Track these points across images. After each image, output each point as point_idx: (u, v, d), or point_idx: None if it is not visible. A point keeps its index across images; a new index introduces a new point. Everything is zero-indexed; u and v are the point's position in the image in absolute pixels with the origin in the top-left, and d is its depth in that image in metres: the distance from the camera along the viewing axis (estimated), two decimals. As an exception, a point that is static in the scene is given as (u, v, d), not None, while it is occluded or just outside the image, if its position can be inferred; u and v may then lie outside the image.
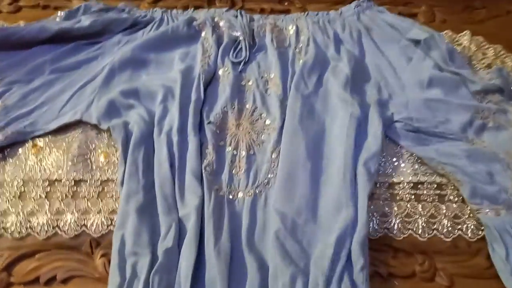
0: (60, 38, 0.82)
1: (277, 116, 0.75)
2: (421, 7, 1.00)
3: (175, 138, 0.70)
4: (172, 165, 0.67)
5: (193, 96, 0.75)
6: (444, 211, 0.69)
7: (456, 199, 0.70)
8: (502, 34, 0.95)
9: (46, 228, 0.64)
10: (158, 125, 0.72)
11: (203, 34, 0.87)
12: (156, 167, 0.67)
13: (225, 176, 0.68)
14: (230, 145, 0.72)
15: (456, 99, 0.78)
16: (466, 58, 0.89)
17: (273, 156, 0.70)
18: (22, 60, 0.79)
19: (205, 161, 0.69)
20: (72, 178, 0.69)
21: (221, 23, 0.88)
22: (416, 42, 0.86)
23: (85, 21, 0.83)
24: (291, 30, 0.88)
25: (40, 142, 0.72)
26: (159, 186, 0.64)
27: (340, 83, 0.77)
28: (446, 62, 0.82)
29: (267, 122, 0.75)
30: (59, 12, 0.87)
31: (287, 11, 0.98)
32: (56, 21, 0.85)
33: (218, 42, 0.85)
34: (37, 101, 0.75)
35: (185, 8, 0.95)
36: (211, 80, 0.80)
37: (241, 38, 0.86)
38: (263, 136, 0.74)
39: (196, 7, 0.95)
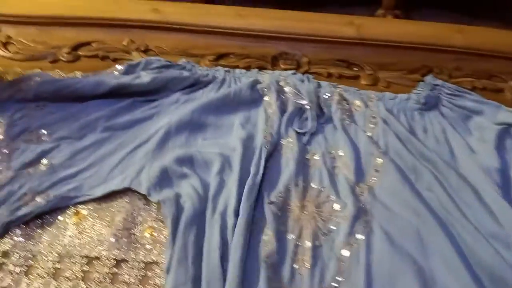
0: (117, 93, 0.78)
1: (348, 203, 0.65)
2: (508, 82, 0.89)
3: (230, 221, 0.61)
4: (223, 255, 0.58)
5: (252, 170, 0.67)
6: None
7: None
8: None
9: (78, 317, 0.55)
10: (212, 201, 0.64)
11: (266, 98, 0.80)
12: (205, 256, 0.58)
13: (286, 272, 0.58)
14: (292, 231, 0.63)
15: None
16: None
17: (343, 254, 0.60)
18: (75, 114, 0.75)
19: (264, 249, 0.59)
20: (113, 257, 0.60)
21: (287, 88, 0.81)
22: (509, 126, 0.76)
23: (145, 77, 0.79)
24: (358, 107, 0.80)
25: (83, 210, 0.65)
26: (206, 282, 0.55)
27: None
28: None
29: (336, 207, 0.66)
30: (118, 65, 0.82)
31: (356, 78, 0.90)
32: (114, 74, 0.81)
33: (282, 109, 0.78)
34: (85, 162, 0.69)
35: (248, 67, 0.89)
36: (272, 151, 0.72)
37: (307, 106, 0.78)
38: (330, 224, 0.64)
39: (260, 68, 0.89)
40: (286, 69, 0.90)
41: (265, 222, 0.63)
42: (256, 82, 0.81)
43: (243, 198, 0.63)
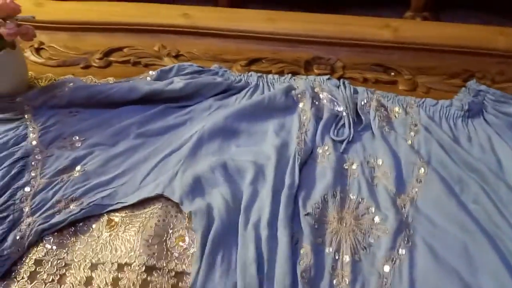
0: (150, 99, 0.76)
1: (390, 216, 0.62)
2: (553, 86, 0.85)
3: (264, 233, 0.59)
4: (259, 268, 0.55)
5: (287, 180, 0.65)
6: None
7: None
8: None
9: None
10: (244, 212, 0.61)
11: (300, 105, 0.78)
12: (240, 270, 0.55)
13: (326, 286, 0.55)
14: (330, 245, 0.60)
15: None
16: None
17: (385, 270, 0.57)
18: (107, 121, 0.74)
19: (301, 264, 0.57)
20: (143, 263, 0.59)
21: (322, 95, 0.79)
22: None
23: (177, 83, 0.77)
24: (398, 114, 0.76)
25: (116, 217, 0.64)
26: None
27: None
28: None
29: (376, 220, 0.62)
30: (150, 71, 0.81)
31: (393, 83, 0.87)
32: (147, 80, 0.80)
33: (317, 116, 0.76)
34: (119, 169, 0.68)
35: (281, 72, 0.87)
36: (307, 160, 0.70)
37: (344, 113, 0.76)
38: (370, 237, 0.61)
39: (293, 73, 0.87)
40: (320, 74, 0.87)
41: (302, 234, 0.60)
42: (290, 88, 0.79)
43: (280, 210, 0.61)
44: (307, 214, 0.62)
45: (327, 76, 0.83)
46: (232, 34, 0.93)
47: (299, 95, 0.78)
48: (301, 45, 0.93)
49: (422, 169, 0.68)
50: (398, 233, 0.60)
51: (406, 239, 0.60)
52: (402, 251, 0.59)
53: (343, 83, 0.81)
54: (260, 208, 0.62)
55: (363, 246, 0.60)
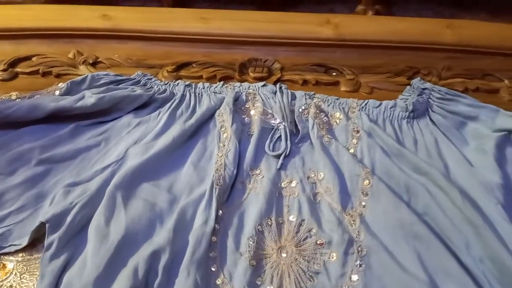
0: (57, 117, 0.66)
1: (335, 237, 0.55)
2: (504, 81, 0.80)
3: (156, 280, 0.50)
4: None
5: (199, 219, 0.56)
6: None
7: None
8: None
9: None
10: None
11: (220, 122, 0.68)
12: None
13: None
14: (271, 283, 0.52)
15: None
16: None
17: None
18: (5, 145, 0.63)
19: None
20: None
21: (253, 107, 0.71)
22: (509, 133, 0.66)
23: (89, 98, 0.67)
24: (339, 120, 0.70)
25: (10, 262, 0.54)
26: None
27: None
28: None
29: (320, 241, 0.55)
30: (60, 83, 0.71)
31: (335, 84, 0.80)
32: (54, 95, 0.69)
33: (245, 132, 0.68)
34: (15, 204, 0.58)
35: (213, 78, 0.79)
36: (234, 187, 0.61)
37: (280, 125, 0.68)
38: (315, 265, 0.54)
39: (226, 78, 0.79)
40: (256, 78, 0.79)
41: (234, 277, 0.52)
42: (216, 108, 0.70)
43: (186, 255, 0.52)
44: (241, 254, 0.54)
45: (262, 83, 0.75)
46: (159, 37, 0.84)
47: (220, 112, 0.70)
48: (236, 46, 0.85)
49: (367, 181, 0.61)
50: (347, 256, 0.54)
51: (358, 261, 0.53)
52: (355, 277, 0.52)
53: (280, 88, 0.73)
54: (153, 254, 0.52)
55: (309, 276, 0.53)
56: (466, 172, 0.62)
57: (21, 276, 0.53)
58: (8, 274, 0.53)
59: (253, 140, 0.66)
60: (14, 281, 0.52)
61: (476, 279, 0.52)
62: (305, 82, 0.79)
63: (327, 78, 0.80)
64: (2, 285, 0.52)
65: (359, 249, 0.55)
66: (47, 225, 0.54)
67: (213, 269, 0.53)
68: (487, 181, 0.60)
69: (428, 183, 0.60)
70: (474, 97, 0.73)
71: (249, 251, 0.54)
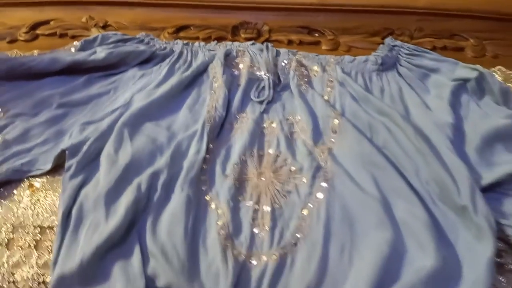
0: (73, 70, 0.77)
1: (305, 164, 0.66)
2: (469, 40, 0.89)
3: (156, 194, 0.61)
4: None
5: (192, 149, 0.67)
6: (504, 284, 0.57)
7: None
8: None
9: (30, 284, 0.56)
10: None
11: (212, 73, 0.79)
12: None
13: (245, 237, 0.58)
14: (251, 199, 0.63)
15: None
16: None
17: (303, 213, 0.61)
18: (30, 92, 0.74)
19: (218, 223, 0.59)
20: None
21: (242, 62, 0.81)
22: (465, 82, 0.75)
23: (100, 53, 0.78)
24: (316, 72, 0.80)
25: (37, 182, 0.66)
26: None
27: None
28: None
29: (293, 169, 0.66)
30: (75, 42, 0.82)
31: (316, 43, 0.90)
32: (70, 51, 0.80)
33: (234, 83, 0.78)
34: (40, 138, 0.69)
35: (208, 38, 0.89)
36: (223, 126, 0.72)
37: (264, 76, 0.78)
38: (289, 186, 0.64)
39: (220, 38, 0.89)
40: (246, 38, 0.89)
41: (220, 195, 0.63)
42: (206, 64, 0.80)
43: (180, 176, 0.63)
44: (226, 176, 0.64)
45: (251, 42, 0.85)
46: (160, 3, 0.94)
47: (212, 67, 0.80)
48: (230, 11, 0.95)
49: (336, 120, 0.72)
50: (315, 179, 0.64)
51: (323, 183, 0.64)
52: (320, 195, 0.62)
53: (267, 46, 0.83)
54: (154, 174, 0.63)
55: (282, 194, 0.63)
56: (423, 114, 0.72)
57: (46, 193, 0.65)
58: (35, 191, 0.65)
59: (240, 89, 0.76)
60: (40, 195, 0.64)
61: (422, 197, 0.62)
62: (290, 42, 0.89)
63: (310, 38, 0.90)
64: (31, 199, 0.64)
65: (325, 173, 0.65)
66: (67, 152, 0.66)
67: (203, 188, 0.64)
68: (440, 121, 0.70)
69: (388, 122, 0.70)
70: (442, 55, 0.83)
71: (233, 174, 0.64)
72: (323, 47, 0.89)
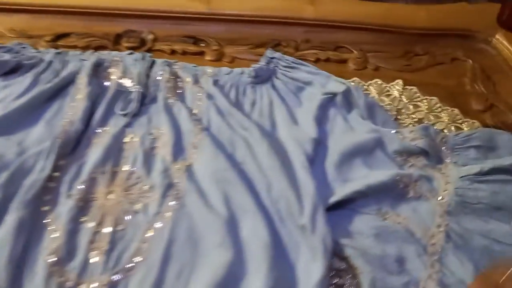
0: None
1: (157, 182, 0.64)
2: (354, 52, 0.89)
3: None
4: None
5: (38, 167, 0.63)
6: (340, 305, 0.56)
7: (353, 292, 0.57)
8: (443, 84, 0.86)
9: None
10: None
11: (77, 85, 0.76)
12: None
13: (77, 263, 0.56)
14: (93, 220, 0.60)
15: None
16: (394, 112, 0.78)
17: (148, 234, 0.59)
18: None
19: (52, 247, 0.56)
20: None
21: (113, 72, 0.78)
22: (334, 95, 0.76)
23: (-43, 62, 0.74)
24: (187, 84, 0.78)
25: None
26: None
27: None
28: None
29: (145, 188, 0.64)
30: None
31: (201, 54, 0.88)
32: None
33: (100, 94, 0.75)
34: None
35: (87, 47, 0.86)
36: (80, 141, 0.69)
37: (133, 88, 0.76)
38: (137, 206, 0.62)
39: (100, 47, 0.86)
40: (128, 47, 0.87)
41: (60, 219, 0.59)
42: (73, 75, 0.77)
43: (16, 197, 0.59)
44: (69, 196, 0.61)
45: (129, 51, 0.83)
46: (41, 9, 0.90)
47: (78, 74, 0.77)
48: (116, 18, 0.92)
49: (199, 136, 0.70)
50: (165, 198, 0.62)
51: (173, 202, 0.62)
52: (168, 214, 0.61)
53: (143, 56, 0.81)
54: None
55: (128, 215, 0.61)
56: (287, 128, 0.72)
57: None
58: None
59: (104, 100, 0.74)
60: None
61: (270, 215, 0.61)
62: (173, 52, 0.87)
63: (194, 48, 0.88)
64: None
65: (177, 191, 0.63)
66: None
67: (45, 208, 0.61)
68: (302, 136, 0.70)
69: (250, 137, 0.70)
70: (325, 67, 0.83)
71: (78, 194, 0.62)
72: (207, 58, 0.87)
